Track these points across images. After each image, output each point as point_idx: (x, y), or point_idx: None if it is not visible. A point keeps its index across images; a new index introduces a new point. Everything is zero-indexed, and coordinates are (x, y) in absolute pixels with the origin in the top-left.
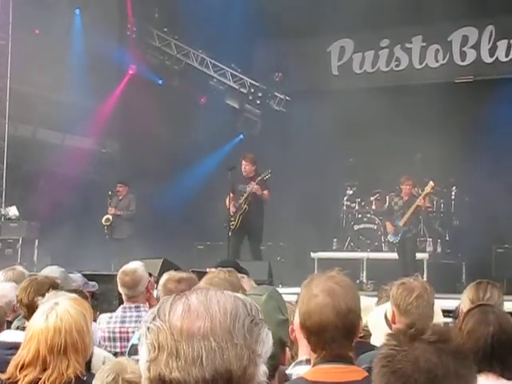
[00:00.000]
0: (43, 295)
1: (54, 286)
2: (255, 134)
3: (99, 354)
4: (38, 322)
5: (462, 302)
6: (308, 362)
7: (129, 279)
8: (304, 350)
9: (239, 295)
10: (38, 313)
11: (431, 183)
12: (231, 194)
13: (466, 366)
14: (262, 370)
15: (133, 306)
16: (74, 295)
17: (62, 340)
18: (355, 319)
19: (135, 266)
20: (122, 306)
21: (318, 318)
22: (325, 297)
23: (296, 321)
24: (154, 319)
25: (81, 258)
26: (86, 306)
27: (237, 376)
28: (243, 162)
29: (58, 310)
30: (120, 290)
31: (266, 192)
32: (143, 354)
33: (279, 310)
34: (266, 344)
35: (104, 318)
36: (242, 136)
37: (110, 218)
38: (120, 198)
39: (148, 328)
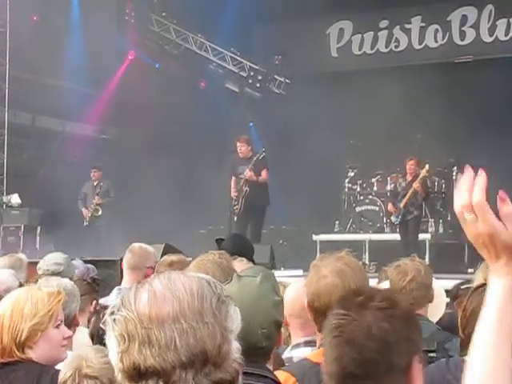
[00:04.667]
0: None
1: None
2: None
3: None
4: None
5: (476, 281)
6: (307, 343)
7: (138, 248)
8: (298, 333)
9: (202, 275)
10: None
11: (426, 167)
12: (233, 178)
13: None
14: (235, 346)
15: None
16: (63, 280)
17: None
18: None
19: (145, 245)
20: (116, 287)
21: (326, 299)
22: (334, 277)
23: (288, 305)
24: (119, 310)
25: (83, 244)
26: (42, 295)
27: (212, 355)
28: (238, 144)
29: (8, 296)
30: (125, 260)
31: (263, 173)
32: (113, 346)
33: (274, 291)
34: (236, 320)
35: (102, 301)
36: (252, 124)
37: (99, 208)
38: (95, 183)
39: (114, 319)
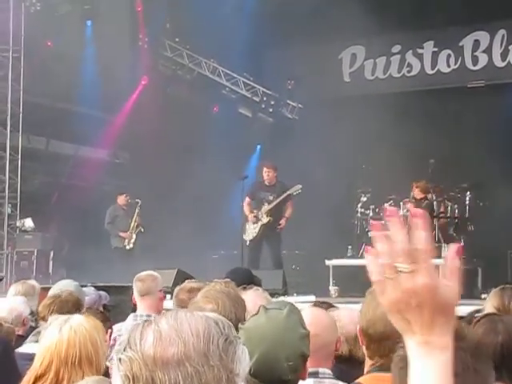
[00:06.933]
0: (67, 313)
1: (76, 304)
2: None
3: None
4: (51, 334)
5: (486, 309)
6: (310, 375)
7: (145, 275)
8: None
9: (211, 314)
10: (51, 326)
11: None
12: (247, 199)
13: (483, 361)
14: None
15: (144, 314)
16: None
17: (77, 352)
18: None
19: (151, 271)
20: (132, 314)
21: (382, 327)
22: None
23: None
24: (125, 349)
25: (95, 270)
26: (97, 322)
27: None
28: (265, 169)
29: (72, 323)
30: (134, 287)
31: (289, 205)
32: None
33: (300, 323)
34: (243, 361)
35: (116, 328)
36: (259, 147)
37: (141, 228)
38: (125, 207)
39: (120, 359)
